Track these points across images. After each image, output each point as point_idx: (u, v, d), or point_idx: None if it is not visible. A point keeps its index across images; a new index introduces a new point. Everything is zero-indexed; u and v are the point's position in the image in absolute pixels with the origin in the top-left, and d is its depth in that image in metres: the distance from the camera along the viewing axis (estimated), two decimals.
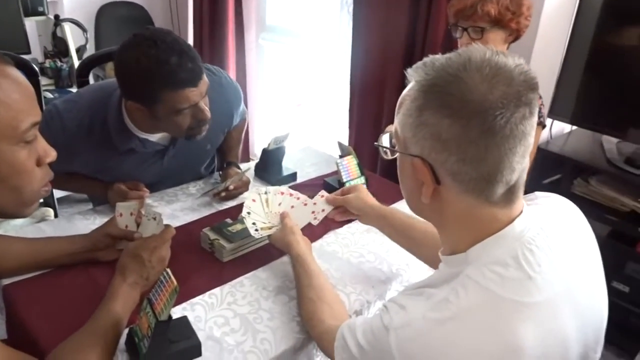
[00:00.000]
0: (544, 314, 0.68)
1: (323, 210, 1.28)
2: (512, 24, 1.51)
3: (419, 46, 2.17)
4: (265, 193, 1.29)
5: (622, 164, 1.93)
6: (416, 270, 1.27)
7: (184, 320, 1.03)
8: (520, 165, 0.69)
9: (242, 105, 1.72)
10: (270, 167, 1.68)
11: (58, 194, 2.12)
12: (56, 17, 2.73)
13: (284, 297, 1.15)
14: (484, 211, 0.71)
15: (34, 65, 1.83)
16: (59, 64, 2.75)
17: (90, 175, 1.48)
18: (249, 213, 1.26)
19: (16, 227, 1.78)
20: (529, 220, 0.73)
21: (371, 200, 1.24)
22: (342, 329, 0.86)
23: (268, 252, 1.30)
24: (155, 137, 1.42)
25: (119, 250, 1.17)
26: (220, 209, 1.50)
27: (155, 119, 1.29)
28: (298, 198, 1.30)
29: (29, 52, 2.67)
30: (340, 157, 1.58)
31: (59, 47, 2.72)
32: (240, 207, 1.48)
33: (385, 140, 0.87)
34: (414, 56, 2.20)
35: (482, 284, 0.68)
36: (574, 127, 2.21)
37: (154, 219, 1.19)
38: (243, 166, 1.68)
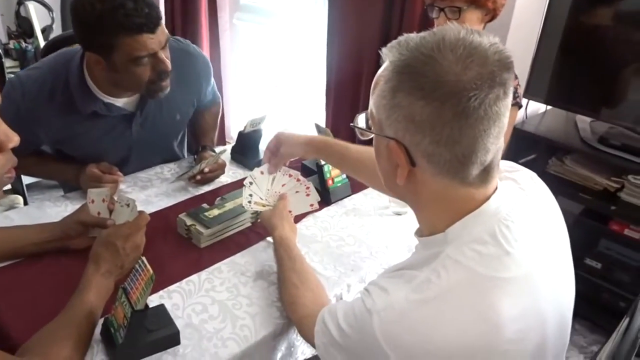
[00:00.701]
0: (522, 288, 0.69)
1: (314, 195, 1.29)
2: (489, 3, 1.51)
3: (395, 27, 2.15)
4: (277, 171, 1.28)
5: (596, 143, 1.96)
6: (395, 251, 1.27)
7: (161, 308, 1.01)
8: (495, 146, 0.69)
9: (213, 84, 1.72)
10: (247, 151, 1.65)
11: (27, 180, 2.05)
12: None
13: (263, 282, 1.14)
14: (459, 191, 0.71)
15: None
16: (23, 45, 2.64)
17: (57, 147, 1.44)
18: (251, 183, 1.25)
19: None
20: (504, 197, 0.74)
21: (301, 138, 1.24)
22: (322, 313, 0.85)
23: (246, 237, 1.29)
24: (119, 102, 1.39)
25: (92, 238, 1.14)
26: (196, 193, 1.47)
27: (114, 71, 1.26)
28: (308, 187, 1.29)
29: None
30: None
31: (23, 28, 2.61)
32: (216, 192, 1.48)
33: (361, 120, 0.86)
34: (390, 37, 2.18)
35: (462, 262, 0.68)
36: (549, 107, 2.23)
37: (127, 205, 1.16)
38: (218, 149, 1.65)
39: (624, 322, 0.76)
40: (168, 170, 1.59)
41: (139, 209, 1.16)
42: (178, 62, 1.37)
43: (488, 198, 0.72)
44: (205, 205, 1.32)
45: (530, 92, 2.07)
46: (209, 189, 1.49)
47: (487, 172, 0.70)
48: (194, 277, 1.14)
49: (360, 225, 1.36)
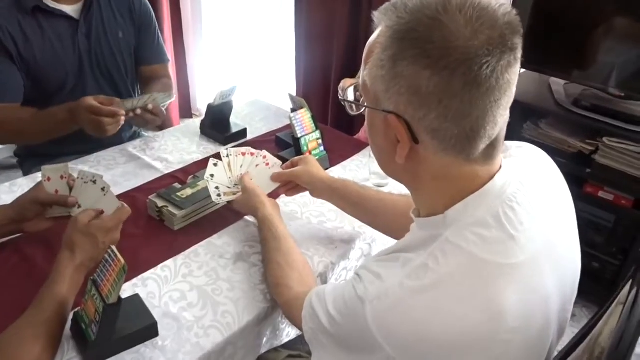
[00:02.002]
0: (526, 273, 0.65)
1: (276, 164, 1.23)
2: None
3: None
4: (227, 156, 1.20)
5: (570, 106, 1.94)
6: None
7: (135, 298, 0.94)
8: (503, 118, 0.64)
9: (159, 42, 1.74)
10: (217, 124, 1.57)
11: None
12: None
13: (244, 264, 1.08)
14: (463, 169, 0.66)
15: None
16: None
17: (23, 59, 1.44)
18: (212, 176, 1.17)
19: None
20: (509, 175, 0.69)
21: (321, 172, 1.17)
22: (310, 297, 0.81)
23: (223, 216, 1.22)
24: (62, 7, 1.49)
25: (50, 220, 1.06)
26: (166, 172, 1.39)
27: None
28: (264, 157, 1.22)
29: None
30: (293, 110, 1.49)
31: None
32: (187, 170, 1.40)
33: (350, 94, 0.80)
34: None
35: (463, 247, 0.63)
36: (522, 70, 2.20)
37: (94, 182, 1.05)
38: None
39: (632, 294, 0.73)
40: (133, 147, 1.50)
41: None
42: None
43: (492, 177, 0.67)
44: (176, 185, 1.25)
45: None
46: (179, 167, 1.41)
47: (492, 147, 0.65)
48: (169, 262, 1.07)
49: None
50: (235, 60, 3.18)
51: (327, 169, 1.43)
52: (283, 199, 1.30)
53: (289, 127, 1.45)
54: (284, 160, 1.41)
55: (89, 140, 1.43)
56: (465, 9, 0.58)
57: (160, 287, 1.01)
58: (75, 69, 1.55)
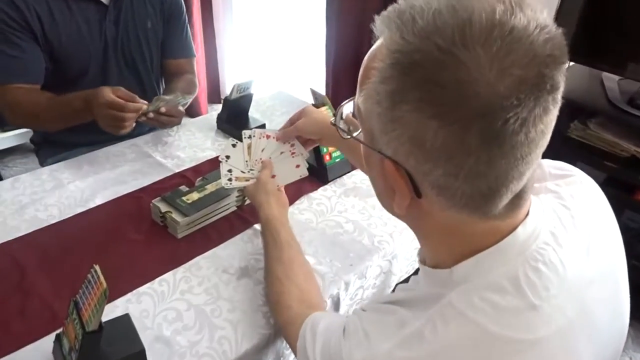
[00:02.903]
0: (552, 350, 0.52)
1: (302, 154, 1.10)
2: None
3: None
4: (249, 137, 1.10)
5: (624, 105, 1.76)
6: (401, 243, 1.11)
7: (125, 320, 0.86)
8: (533, 167, 0.50)
9: (188, 36, 1.66)
10: (234, 119, 1.47)
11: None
12: None
13: (248, 281, 0.98)
14: (479, 226, 0.52)
15: None
16: None
17: (46, 41, 1.38)
18: (227, 157, 1.07)
19: None
20: (537, 225, 0.55)
21: (326, 119, 1.06)
22: (304, 328, 0.72)
23: (230, 224, 1.13)
24: None
25: None
26: (176, 170, 1.30)
27: None
28: (292, 146, 1.10)
29: None
30: (314, 107, 1.37)
31: None
32: (199, 169, 1.31)
33: (347, 110, 0.66)
34: None
35: (469, 315, 0.50)
36: (572, 64, 2.01)
37: None
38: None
39: None
40: (145, 142, 1.41)
41: (111, 188, 0.98)
42: None
43: (515, 228, 0.53)
44: (183, 188, 1.15)
45: None
46: (190, 166, 1.32)
47: (518, 198, 0.52)
48: (168, 275, 0.99)
49: (361, 208, 1.20)
50: (265, 47, 3.07)
51: (348, 172, 1.32)
52: (298, 206, 1.20)
53: None
54: None
55: (104, 130, 1.36)
56: (491, 40, 0.43)
57: (155, 305, 0.93)
58: (100, 55, 1.48)
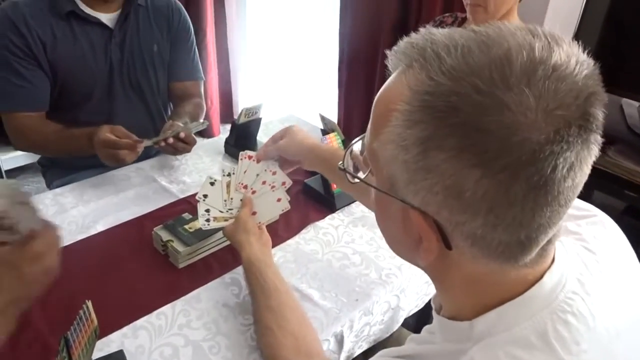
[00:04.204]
0: None
1: (283, 184, 1.05)
2: None
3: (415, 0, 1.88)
4: (228, 174, 1.04)
5: None
6: (410, 276, 1.06)
7: (119, 356, 0.83)
8: (566, 212, 0.45)
9: (196, 59, 1.64)
10: (242, 143, 1.44)
11: (7, 165, 1.88)
12: None
13: (248, 317, 0.94)
14: (509, 275, 0.48)
15: None
16: None
17: (50, 63, 1.38)
18: (205, 196, 1.03)
19: None
20: (564, 272, 0.50)
21: (307, 141, 1.01)
22: None
23: (232, 254, 1.09)
24: (98, 14, 1.42)
25: None
26: (181, 196, 1.28)
27: None
28: (273, 173, 1.05)
29: None
30: (323, 132, 1.35)
31: None
32: None
33: (357, 148, 0.61)
34: (411, 6, 1.92)
35: None
36: None
37: (24, 204, 0.78)
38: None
39: None
40: (150, 167, 1.39)
41: (113, 214, 0.93)
42: (154, 2, 1.51)
43: (541, 277, 0.49)
44: (186, 215, 1.13)
45: None
46: (195, 192, 1.29)
47: (548, 243, 0.48)
48: (166, 308, 0.95)
49: (369, 239, 1.15)
50: (277, 69, 3.07)
51: (355, 200, 1.28)
52: (304, 236, 1.16)
53: None
54: (308, 187, 1.28)
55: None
56: (535, 79, 0.39)
57: (151, 340, 0.89)
58: (105, 79, 1.47)
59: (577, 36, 1.77)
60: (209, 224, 1.00)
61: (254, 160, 1.05)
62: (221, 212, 1.03)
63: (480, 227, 0.43)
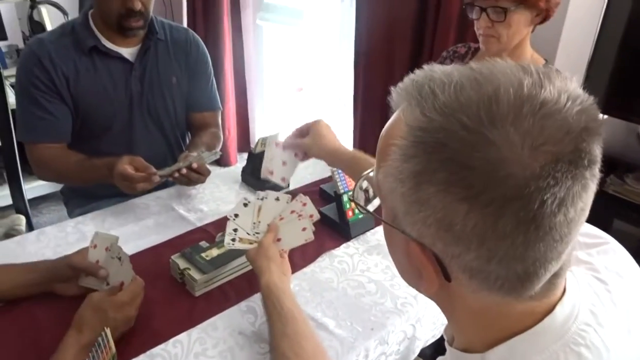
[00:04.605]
0: None
1: (311, 216, 1.06)
2: (541, 3, 1.26)
3: (430, 23, 1.91)
4: (262, 199, 1.08)
5: None
6: (426, 305, 1.06)
7: None
8: (572, 245, 0.46)
9: (214, 89, 1.68)
10: (258, 172, 1.45)
11: (30, 194, 1.93)
12: None
13: (264, 345, 0.94)
14: (514, 307, 0.48)
15: None
16: None
17: (67, 87, 1.43)
18: (236, 215, 1.06)
19: None
20: (575, 302, 0.50)
21: (329, 144, 1.07)
22: None
23: (248, 282, 1.10)
24: (119, 49, 1.48)
25: (82, 288, 1.00)
26: (198, 225, 1.30)
27: None
28: (303, 204, 1.07)
29: (4, 38, 2.47)
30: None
31: (37, 32, 2.50)
32: (220, 223, 1.30)
33: (366, 184, 0.62)
34: (425, 36, 1.95)
35: None
36: (607, 117, 1.96)
37: (119, 258, 0.98)
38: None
39: None
40: (169, 195, 1.42)
41: (132, 242, 0.99)
42: (175, 32, 1.58)
43: (552, 309, 0.49)
44: (203, 244, 1.14)
45: None
46: (212, 220, 1.31)
47: (556, 277, 0.48)
48: (182, 336, 0.96)
49: (384, 267, 1.16)
50: (293, 98, 3.12)
51: (371, 228, 1.29)
52: (320, 264, 1.16)
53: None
54: (323, 215, 1.29)
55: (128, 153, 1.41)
56: (521, 117, 0.40)
57: None
58: (125, 111, 1.51)
59: (591, 64, 1.77)
60: (233, 244, 1.02)
61: (286, 202, 1.09)
62: (248, 234, 1.05)
63: (474, 260, 0.43)
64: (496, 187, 0.40)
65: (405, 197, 0.45)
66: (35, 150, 1.44)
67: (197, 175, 1.34)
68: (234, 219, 1.05)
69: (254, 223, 1.06)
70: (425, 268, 0.47)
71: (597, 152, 0.42)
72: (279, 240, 1.04)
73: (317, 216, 1.07)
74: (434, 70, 0.46)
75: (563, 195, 0.40)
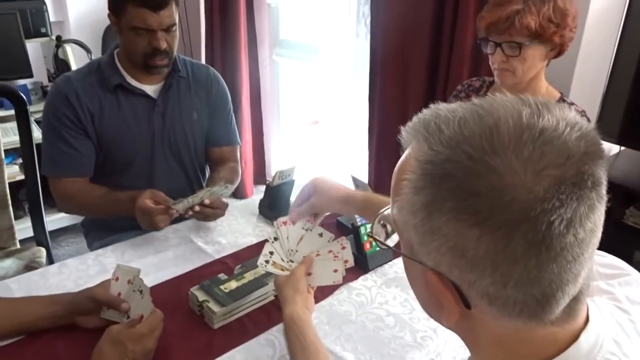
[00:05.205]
0: None
1: (346, 261, 1.04)
2: (555, 37, 1.28)
3: (444, 61, 1.94)
4: (307, 229, 1.07)
5: None
6: (446, 338, 1.04)
7: None
8: (588, 266, 0.47)
9: (233, 124, 1.70)
10: (275, 205, 1.48)
11: (50, 226, 1.96)
12: (58, 38, 2.59)
13: None
14: (536, 333, 0.48)
15: (22, 94, 1.66)
16: None
17: (92, 123, 1.47)
18: (275, 239, 1.05)
19: (2, 271, 1.63)
20: (599, 331, 0.50)
21: (339, 194, 1.04)
22: None
23: (267, 315, 1.10)
24: (143, 86, 1.52)
25: (103, 320, 1.01)
26: (217, 257, 1.31)
27: (119, 33, 1.46)
28: (343, 248, 1.04)
29: (30, 76, 2.55)
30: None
31: (62, 70, 2.59)
32: (238, 255, 1.31)
33: (384, 219, 0.63)
34: (439, 72, 1.98)
35: None
36: (623, 148, 1.95)
37: (140, 291, 1.00)
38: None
39: None
40: (187, 228, 1.44)
41: (151, 274, 1.00)
42: (196, 70, 1.63)
43: (575, 337, 0.49)
44: (221, 276, 1.15)
45: (601, 132, 1.75)
46: (231, 252, 1.32)
47: (577, 301, 0.48)
48: None
49: (402, 300, 1.15)
50: (309, 131, 3.16)
51: (389, 260, 1.29)
52: (338, 297, 1.16)
53: None
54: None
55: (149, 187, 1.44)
56: (521, 144, 0.42)
57: None
58: (147, 146, 1.55)
59: (606, 97, 1.78)
60: (265, 265, 1.02)
61: (290, 224, 1.07)
62: (282, 260, 1.04)
63: (491, 286, 0.45)
64: (503, 211, 0.42)
65: (418, 228, 0.47)
66: (59, 184, 1.48)
67: (212, 211, 1.35)
68: (272, 242, 1.05)
69: (291, 250, 1.05)
70: (445, 297, 0.48)
71: (601, 174, 0.44)
72: (309, 274, 1.03)
73: (351, 263, 1.04)
74: (439, 108, 0.49)
75: (570, 216, 0.42)
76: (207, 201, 1.33)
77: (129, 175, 1.56)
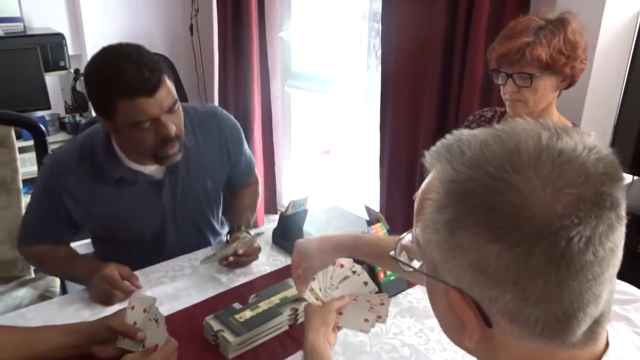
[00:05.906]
0: None
1: (379, 317, 1.00)
2: (566, 69, 1.30)
3: (455, 88, 1.97)
4: (357, 274, 1.01)
5: None
6: None
7: None
8: (609, 289, 0.47)
9: (249, 156, 1.64)
10: (289, 234, 1.48)
11: None
12: (76, 71, 2.67)
13: None
14: (557, 356, 0.49)
15: (41, 125, 1.71)
16: (77, 118, 2.67)
17: (89, 222, 1.39)
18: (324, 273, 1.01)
19: (17, 300, 1.64)
20: (620, 355, 0.51)
21: (326, 246, 1.04)
22: None
23: (282, 344, 1.10)
24: (146, 170, 1.37)
25: (119, 349, 1.01)
26: (231, 286, 1.31)
27: (119, 136, 1.28)
28: (381, 303, 1.00)
29: (48, 108, 2.61)
30: (368, 223, 1.38)
31: (79, 102, 2.65)
32: (253, 284, 1.31)
33: (407, 239, 0.63)
34: (450, 104, 2.00)
35: None
36: (636, 178, 1.95)
37: (156, 320, 1.00)
38: (255, 231, 1.48)
39: None
40: (204, 255, 1.44)
41: (166, 304, 1.01)
42: (203, 126, 1.44)
43: None
44: (236, 305, 1.15)
45: None
46: (245, 281, 1.33)
47: (598, 324, 0.49)
48: None
49: (417, 330, 1.14)
50: (320, 159, 3.19)
51: (403, 290, 1.28)
52: None
53: None
54: None
55: (160, 251, 1.43)
56: (540, 163, 0.44)
57: None
58: (157, 223, 1.44)
59: (617, 127, 1.78)
60: (305, 295, 0.99)
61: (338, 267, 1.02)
62: (320, 289, 1.01)
63: (511, 302, 0.46)
64: (523, 226, 0.43)
65: (441, 245, 0.49)
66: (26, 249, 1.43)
67: (246, 259, 1.35)
68: (321, 275, 1.01)
69: (332, 285, 1.02)
70: (466, 314, 0.49)
71: (620, 195, 0.45)
72: (340, 313, 1.00)
73: (384, 321, 1.01)
74: (462, 133, 0.51)
75: (589, 234, 0.43)
76: (240, 251, 1.31)
77: (138, 247, 1.45)
